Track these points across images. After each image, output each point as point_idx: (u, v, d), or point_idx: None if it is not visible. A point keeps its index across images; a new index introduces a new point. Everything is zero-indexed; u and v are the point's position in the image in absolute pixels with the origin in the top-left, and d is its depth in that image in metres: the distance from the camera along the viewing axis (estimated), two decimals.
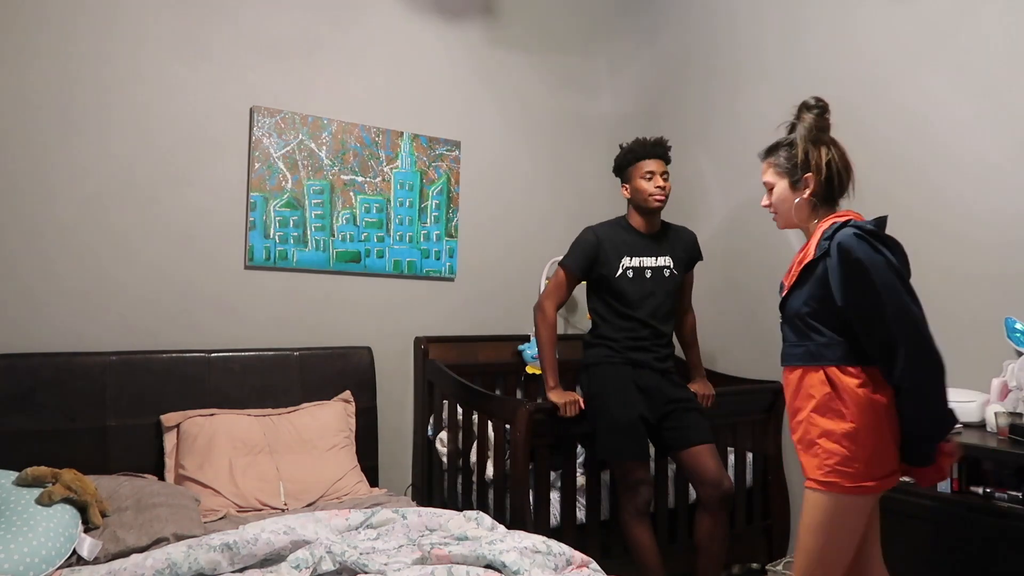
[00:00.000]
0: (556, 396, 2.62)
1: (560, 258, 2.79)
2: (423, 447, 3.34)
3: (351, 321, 3.27)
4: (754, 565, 3.12)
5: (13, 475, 2.10)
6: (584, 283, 2.78)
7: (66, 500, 2.05)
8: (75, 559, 1.94)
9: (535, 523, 2.53)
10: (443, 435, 3.15)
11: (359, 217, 3.29)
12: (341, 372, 3.09)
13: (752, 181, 3.38)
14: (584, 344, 2.79)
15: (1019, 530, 2.02)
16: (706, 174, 3.61)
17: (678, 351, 2.87)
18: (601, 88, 4.09)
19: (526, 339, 3.56)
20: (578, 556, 1.98)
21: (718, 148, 3.55)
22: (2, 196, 2.60)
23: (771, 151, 2.01)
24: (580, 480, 2.78)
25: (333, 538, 2.01)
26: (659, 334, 2.67)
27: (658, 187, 2.63)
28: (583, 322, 3.68)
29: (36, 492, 2.04)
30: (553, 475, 2.79)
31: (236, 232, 3.02)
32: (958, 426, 2.34)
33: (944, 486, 2.21)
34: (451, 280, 3.55)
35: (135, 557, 1.84)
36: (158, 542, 2.02)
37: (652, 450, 2.67)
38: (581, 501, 2.78)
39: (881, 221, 1.85)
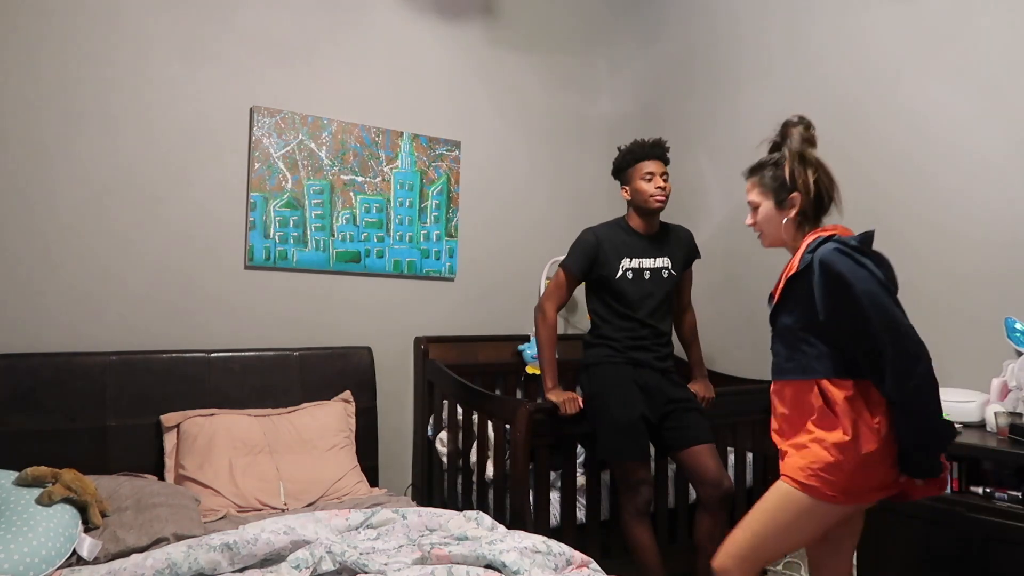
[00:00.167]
0: (555, 396, 2.62)
1: (560, 258, 2.79)
2: (423, 447, 3.34)
3: (351, 321, 3.27)
4: None
5: (13, 475, 2.10)
6: (584, 283, 2.78)
7: (66, 500, 2.05)
8: (75, 559, 1.94)
9: (535, 523, 2.53)
10: (443, 435, 3.15)
11: (359, 217, 3.29)
12: (341, 372, 3.09)
13: None
14: (584, 344, 2.79)
15: (1019, 530, 2.02)
16: (706, 174, 3.61)
17: (678, 351, 2.87)
18: (601, 88, 4.09)
19: (526, 339, 3.56)
20: (578, 556, 1.98)
21: (718, 148, 3.55)
22: (3, 196, 2.60)
23: (756, 170, 2.00)
24: (580, 480, 2.78)
25: (333, 538, 2.01)
26: (659, 333, 2.67)
27: (658, 188, 2.63)
28: (583, 322, 3.68)
29: (36, 492, 2.04)
30: (553, 475, 2.79)
31: (236, 232, 3.02)
32: (957, 426, 2.35)
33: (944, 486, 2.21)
34: (451, 280, 3.55)
35: (135, 557, 1.84)
36: (158, 542, 2.02)
37: (652, 450, 2.67)
38: (581, 501, 2.78)
39: (867, 236, 1.84)
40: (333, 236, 3.22)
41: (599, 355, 2.67)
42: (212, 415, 2.71)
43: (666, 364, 2.69)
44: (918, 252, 2.73)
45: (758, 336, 3.32)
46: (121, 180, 2.80)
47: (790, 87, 3.21)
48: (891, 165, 2.82)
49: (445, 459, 3.13)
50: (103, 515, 2.14)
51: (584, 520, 2.74)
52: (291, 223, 3.12)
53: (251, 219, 3.03)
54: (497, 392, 3.49)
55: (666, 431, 2.62)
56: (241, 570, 1.88)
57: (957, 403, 2.43)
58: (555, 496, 2.74)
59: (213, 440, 2.63)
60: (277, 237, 3.09)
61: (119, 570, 1.79)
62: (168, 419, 2.68)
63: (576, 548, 2.05)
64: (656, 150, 2.68)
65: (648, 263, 2.68)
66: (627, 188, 2.70)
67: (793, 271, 1.84)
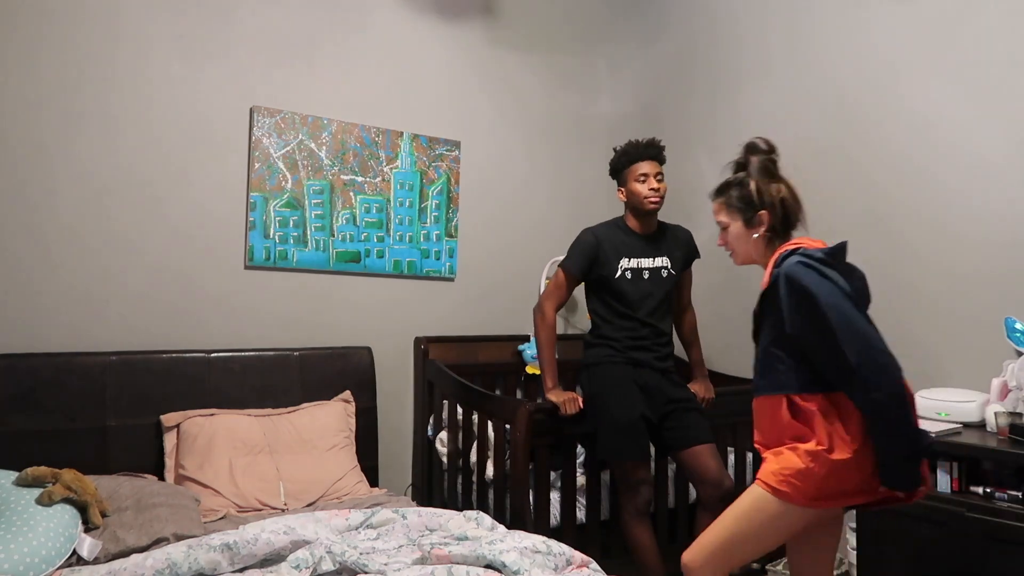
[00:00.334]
0: (555, 395, 2.62)
1: (560, 258, 2.79)
2: (423, 447, 3.34)
3: (351, 321, 3.27)
4: (754, 565, 3.11)
5: (13, 475, 2.10)
6: (584, 283, 2.78)
7: (66, 500, 2.05)
8: (75, 559, 1.94)
9: (535, 523, 2.53)
10: (443, 435, 3.15)
11: (359, 217, 3.29)
12: (341, 372, 3.09)
13: None
14: (585, 344, 2.79)
15: (1019, 530, 2.02)
16: (706, 174, 3.61)
17: (679, 351, 2.87)
18: (601, 88, 4.09)
19: (526, 339, 3.56)
20: (578, 556, 1.98)
21: (718, 148, 3.55)
22: (3, 196, 2.60)
23: (722, 191, 2.03)
24: (580, 480, 2.78)
25: (333, 538, 2.01)
26: (659, 333, 2.68)
27: (652, 189, 2.64)
28: (583, 322, 3.68)
29: (36, 492, 2.04)
30: (553, 475, 2.79)
31: (236, 232, 3.02)
32: (957, 426, 2.35)
33: (944, 486, 2.22)
34: (451, 280, 3.55)
35: (135, 557, 1.84)
36: (158, 542, 2.02)
37: (652, 450, 2.67)
38: (581, 501, 2.78)
39: (836, 249, 1.85)
40: (333, 236, 3.22)
41: (599, 355, 2.67)
42: (212, 415, 2.71)
43: (666, 364, 2.69)
44: (918, 252, 2.73)
45: None
46: (121, 180, 2.80)
47: (790, 87, 3.21)
48: (891, 165, 2.82)
49: (445, 459, 3.13)
50: (103, 515, 2.14)
51: (584, 520, 2.74)
52: (291, 223, 3.12)
53: (251, 219, 3.03)
54: (497, 392, 3.49)
55: (666, 431, 2.62)
56: (241, 570, 1.88)
57: (957, 403, 2.43)
58: (555, 496, 2.74)
59: (213, 440, 2.63)
60: (277, 237, 3.09)
61: (119, 570, 1.79)
62: (168, 419, 2.68)
63: (576, 548, 2.05)
64: (650, 151, 2.68)
65: (647, 263, 2.68)
66: (623, 189, 2.71)
67: (764, 287, 1.87)
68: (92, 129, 2.74)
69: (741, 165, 2.00)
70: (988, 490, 2.13)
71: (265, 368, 2.94)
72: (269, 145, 3.06)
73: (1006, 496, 2.09)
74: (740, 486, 3.01)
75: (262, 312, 3.07)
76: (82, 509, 2.08)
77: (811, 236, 2.00)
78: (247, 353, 2.93)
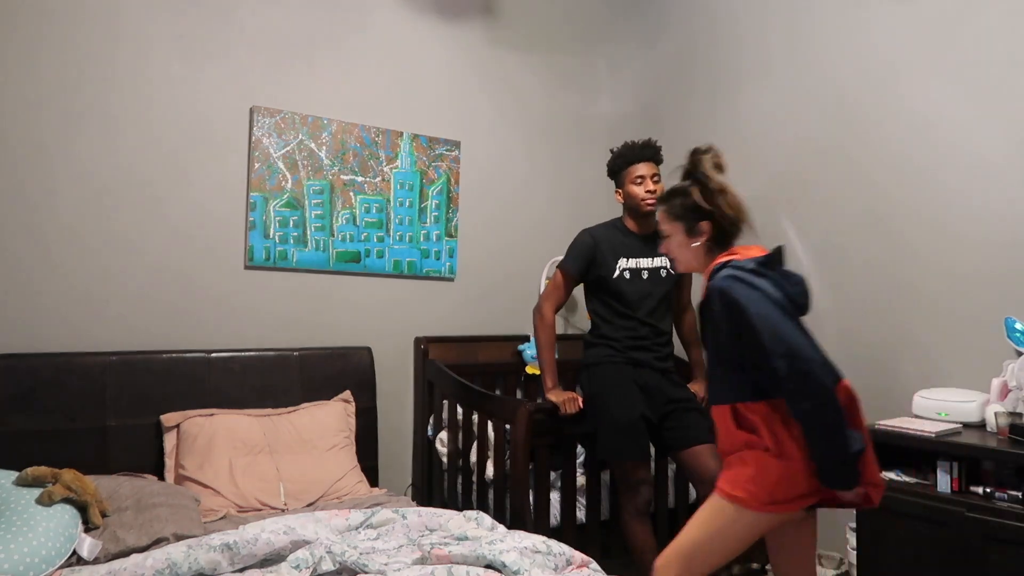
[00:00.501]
0: (555, 395, 2.63)
1: (560, 258, 2.79)
2: (423, 447, 3.34)
3: (351, 321, 3.27)
4: (754, 565, 3.11)
5: (13, 475, 2.10)
6: (584, 284, 2.79)
7: (66, 500, 2.05)
8: (75, 559, 1.94)
9: (535, 523, 2.53)
10: (443, 435, 3.15)
11: (359, 217, 3.29)
12: (341, 372, 3.09)
13: (752, 180, 3.39)
14: (585, 344, 2.79)
15: (1019, 530, 2.02)
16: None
17: (679, 350, 2.87)
18: (601, 88, 4.09)
19: (526, 339, 3.56)
20: (578, 556, 1.98)
21: (718, 146, 3.55)
22: (4, 195, 2.60)
23: (665, 199, 2.04)
24: (580, 480, 2.78)
25: (333, 538, 2.01)
26: (659, 332, 2.68)
27: (648, 191, 2.64)
28: (583, 322, 3.68)
29: (36, 492, 2.04)
30: (553, 475, 2.79)
31: (236, 232, 3.02)
32: (957, 426, 2.35)
33: (944, 486, 2.22)
34: (451, 280, 3.55)
35: (135, 557, 1.85)
36: (158, 542, 2.02)
37: (652, 450, 2.67)
38: (581, 501, 2.78)
39: (768, 257, 1.87)
40: (333, 236, 3.22)
41: (599, 355, 2.67)
42: (212, 415, 2.71)
43: (666, 364, 2.69)
44: (918, 252, 2.73)
45: None
46: (121, 180, 2.80)
47: (790, 87, 3.21)
48: (891, 165, 2.82)
49: (445, 459, 3.13)
50: (103, 515, 2.14)
51: (584, 520, 2.74)
52: (291, 223, 3.12)
53: (251, 219, 3.03)
54: (497, 392, 3.49)
55: (666, 431, 2.62)
56: (241, 570, 1.88)
57: (957, 403, 2.43)
58: (555, 496, 2.74)
59: (213, 440, 2.63)
60: (277, 237, 3.09)
61: (119, 570, 1.79)
62: (168, 419, 2.68)
63: (576, 548, 2.06)
64: (646, 152, 2.68)
65: (645, 263, 2.68)
66: (620, 191, 2.72)
67: (702, 299, 1.90)
68: (92, 129, 2.74)
69: (688, 172, 2.01)
70: (988, 490, 2.13)
71: (265, 368, 2.94)
72: (269, 145, 3.06)
73: (1006, 496, 2.09)
74: None
75: (262, 312, 3.07)
76: (82, 509, 2.08)
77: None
78: (247, 353, 2.93)
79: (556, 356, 2.77)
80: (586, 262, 2.69)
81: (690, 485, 2.74)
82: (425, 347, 3.35)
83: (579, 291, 2.94)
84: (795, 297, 1.82)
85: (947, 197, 2.65)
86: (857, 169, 2.94)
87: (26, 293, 2.64)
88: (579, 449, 2.84)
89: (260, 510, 2.54)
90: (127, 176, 2.81)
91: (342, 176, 3.24)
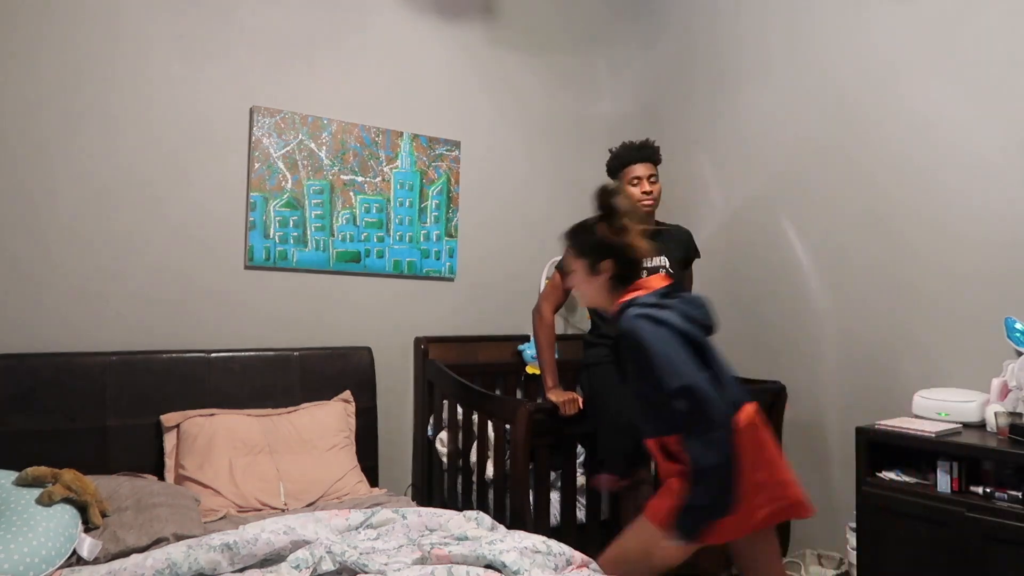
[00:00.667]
0: (555, 395, 2.63)
1: (560, 258, 2.80)
2: (423, 447, 3.34)
3: (351, 321, 3.27)
4: None
5: (13, 475, 2.10)
6: None
7: (66, 500, 2.05)
8: (75, 559, 1.94)
9: (535, 523, 2.53)
10: (443, 435, 3.15)
11: (359, 217, 3.29)
12: (341, 372, 3.09)
13: (752, 180, 3.40)
14: (585, 344, 2.79)
15: (1019, 530, 2.02)
16: (706, 174, 3.62)
17: None
18: (601, 88, 4.09)
19: (526, 339, 3.56)
20: (578, 556, 1.98)
21: (718, 148, 3.56)
22: (4, 195, 2.60)
23: (570, 235, 2.08)
24: (580, 480, 2.78)
25: (333, 538, 2.01)
26: None
27: (644, 192, 2.65)
28: (583, 322, 3.68)
29: (36, 492, 2.03)
30: (553, 475, 2.79)
31: (236, 232, 3.02)
32: (957, 426, 2.35)
33: (944, 486, 2.22)
34: (451, 280, 3.55)
35: (135, 557, 1.84)
36: (158, 542, 2.02)
37: None
38: (581, 501, 2.77)
39: (673, 285, 1.96)
40: (333, 236, 3.22)
41: (599, 355, 2.67)
42: (212, 415, 2.71)
43: None
44: (918, 252, 2.74)
45: (758, 335, 3.33)
46: (121, 180, 2.80)
47: (790, 87, 3.21)
48: (891, 165, 2.82)
49: (445, 459, 3.13)
50: (103, 515, 2.14)
51: (584, 520, 2.74)
52: (291, 223, 3.12)
53: (251, 219, 3.03)
54: (497, 392, 3.49)
55: None
56: (241, 570, 1.88)
57: (957, 403, 2.43)
58: (555, 496, 2.74)
59: (213, 440, 2.63)
60: (277, 237, 3.09)
61: (119, 570, 1.78)
62: (168, 419, 2.68)
63: (576, 548, 2.05)
64: (642, 153, 2.69)
65: (645, 263, 2.68)
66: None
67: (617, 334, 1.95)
68: (92, 129, 2.74)
69: (603, 210, 2.04)
70: (988, 490, 2.13)
71: (265, 368, 2.94)
72: (269, 145, 3.06)
73: (1006, 496, 2.09)
74: None
75: (262, 312, 3.07)
76: (82, 509, 2.08)
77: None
78: (247, 353, 2.93)
79: (556, 356, 2.77)
80: None
81: None
82: (425, 347, 3.35)
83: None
84: (701, 319, 1.91)
85: (947, 197, 2.65)
86: (857, 169, 2.94)
87: (26, 293, 2.64)
88: (579, 449, 2.83)
89: (260, 510, 2.54)
90: (127, 176, 2.81)
91: (342, 176, 3.24)
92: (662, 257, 2.71)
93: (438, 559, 1.93)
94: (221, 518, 2.43)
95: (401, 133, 3.40)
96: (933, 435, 2.25)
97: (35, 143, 2.65)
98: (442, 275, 3.52)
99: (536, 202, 3.82)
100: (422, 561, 1.95)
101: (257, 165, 3.03)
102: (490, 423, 2.77)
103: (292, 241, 3.12)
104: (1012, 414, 2.26)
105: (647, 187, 2.65)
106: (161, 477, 2.61)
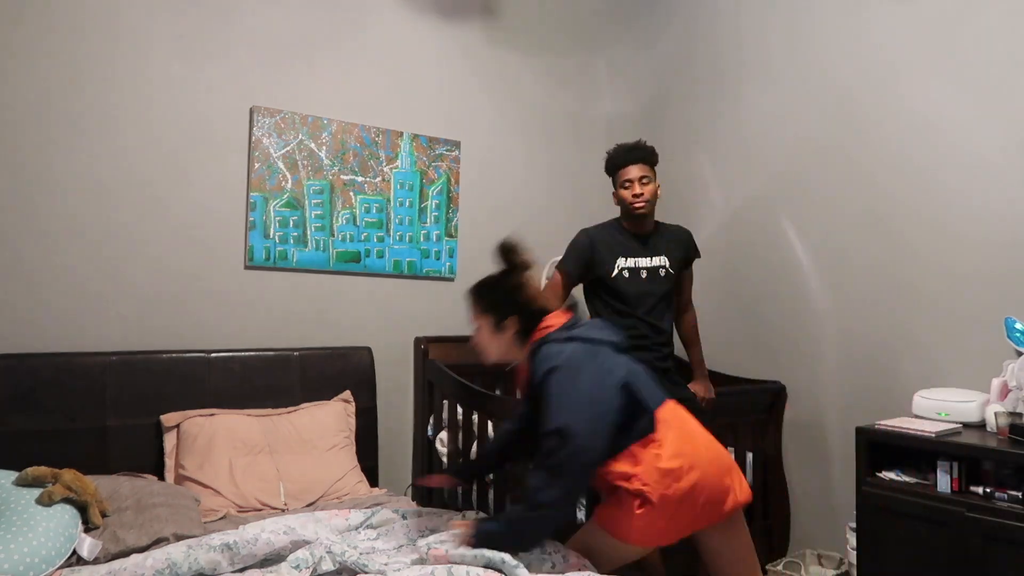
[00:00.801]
0: None
1: (560, 258, 2.80)
2: (423, 447, 3.34)
3: (351, 321, 3.27)
4: None
5: (13, 475, 2.10)
6: (583, 284, 2.79)
7: (66, 500, 2.05)
8: (75, 559, 1.94)
9: None
10: (443, 435, 3.15)
11: (359, 217, 3.29)
12: (341, 372, 3.09)
13: (752, 180, 3.40)
14: None
15: (1019, 530, 2.02)
16: (706, 174, 3.61)
17: (679, 350, 2.87)
18: (601, 88, 4.09)
19: None
20: (574, 555, 1.98)
21: (718, 148, 3.55)
22: (5, 195, 2.61)
23: (475, 295, 2.13)
24: None
25: (333, 538, 2.01)
26: (659, 331, 2.68)
27: (635, 195, 2.65)
28: None
29: (36, 492, 2.03)
30: None
31: (236, 232, 3.02)
32: (957, 426, 2.35)
33: (944, 486, 2.22)
34: (451, 280, 3.55)
35: (135, 557, 1.84)
36: (158, 542, 2.02)
37: None
38: (581, 501, 2.77)
39: (576, 316, 2.03)
40: (333, 236, 3.22)
41: None
42: (212, 415, 2.71)
43: (666, 364, 2.69)
44: (918, 252, 2.73)
45: (758, 335, 3.33)
46: (121, 180, 2.80)
47: (790, 87, 3.21)
48: (891, 165, 2.82)
49: (445, 459, 3.12)
50: (103, 515, 2.14)
51: (583, 520, 2.73)
52: (291, 223, 3.12)
53: (251, 219, 3.03)
54: (497, 392, 3.49)
55: None
56: (241, 570, 1.88)
57: (957, 403, 2.43)
58: None
59: (213, 440, 2.63)
60: (277, 237, 3.09)
61: (119, 570, 1.79)
62: (168, 419, 2.68)
63: None
64: (633, 155, 2.69)
65: (644, 262, 2.69)
66: (615, 193, 2.73)
67: (526, 376, 2.01)
68: (93, 129, 2.75)
69: (508, 267, 2.08)
70: (988, 490, 2.13)
71: (265, 368, 2.94)
72: (269, 145, 3.06)
73: (1006, 496, 2.09)
74: None
75: (262, 312, 3.07)
76: (82, 509, 2.08)
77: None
78: (247, 353, 2.93)
79: None
80: (584, 263, 2.69)
81: None
82: (425, 347, 3.35)
83: (578, 291, 2.94)
84: (609, 339, 1.99)
85: (947, 197, 2.65)
86: (857, 169, 2.94)
87: (27, 293, 2.64)
88: None
89: (260, 510, 2.54)
90: (127, 176, 2.81)
91: (342, 176, 3.24)
92: (662, 257, 2.72)
93: (436, 559, 1.93)
94: (221, 518, 2.43)
95: (401, 133, 3.40)
96: (933, 435, 2.25)
97: (36, 143, 2.65)
98: (442, 275, 3.52)
99: (536, 202, 3.82)
100: (421, 561, 1.95)
101: (257, 165, 3.03)
102: (490, 423, 2.76)
103: (292, 241, 3.12)
104: (1012, 414, 2.26)
105: (637, 189, 2.65)
106: (161, 477, 2.62)
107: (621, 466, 1.89)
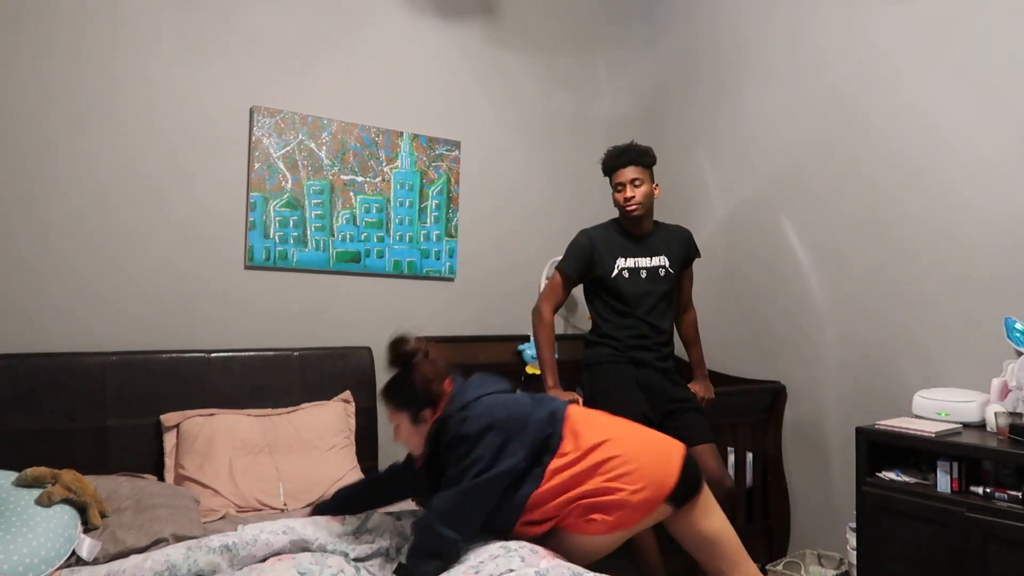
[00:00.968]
0: (555, 395, 2.62)
1: (561, 258, 2.80)
2: None
3: (351, 321, 3.27)
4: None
5: (13, 475, 2.10)
6: (584, 284, 2.79)
7: (66, 501, 2.04)
8: (74, 560, 1.94)
9: None
10: None
11: (359, 217, 3.28)
12: (341, 372, 3.09)
13: (752, 180, 3.40)
14: (585, 343, 2.79)
15: (1019, 530, 2.02)
16: (706, 173, 3.61)
17: (679, 350, 2.87)
18: (601, 88, 4.09)
19: (526, 339, 3.56)
20: (542, 550, 1.95)
21: (718, 148, 3.55)
22: (6, 195, 2.61)
23: (389, 398, 2.13)
24: None
25: (333, 540, 2.01)
26: (659, 331, 2.68)
27: (626, 198, 2.65)
28: (583, 322, 3.68)
29: (36, 493, 2.03)
30: None
31: (236, 232, 3.02)
32: (957, 426, 2.35)
33: (944, 486, 2.22)
34: (451, 280, 3.55)
35: (134, 558, 1.84)
36: (157, 543, 2.02)
37: None
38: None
39: (464, 387, 2.08)
40: (333, 236, 3.22)
41: (600, 355, 2.67)
42: (212, 415, 2.71)
43: (667, 364, 2.69)
44: (918, 252, 2.73)
45: (758, 335, 3.33)
46: (122, 180, 2.80)
47: (791, 87, 3.20)
48: (891, 165, 2.82)
49: None
50: (102, 516, 2.14)
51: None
52: (291, 223, 3.12)
53: (251, 219, 3.03)
54: None
55: (667, 430, 2.61)
56: (241, 570, 1.88)
57: (957, 403, 2.43)
58: None
59: (213, 440, 2.63)
60: (277, 237, 3.09)
61: (118, 571, 1.79)
62: (168, 419, 2.68)
63: None
64: (624, 158, 2.69)
65: (644, 262, 2.69)
66: (613, 195, 2.74)
67: (424, 455, 2.06)
68: (94, 129, 2.75)
69: (401, 365, 2.12)
70: (988, 490, 2.13)
71: (265, 368, 2.94)
72: (269, 145, 3.06)
73: (1006, 496, 2.09)
74: (740, 486, 3.02)
75: (262, 312, 3.07)
76: (81, 510, 2.08)
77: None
78: (247, 353, 2.93)
79: (556, 356, 2.76)
80: (583, 263, 2.69)
81: None
82: (425, 347, 3.34)
83: (579, 291, 2.94)
84: (497, 388, 2.07)
85: (947, 197, 2.65)
86: (857, 169, 2.94)
87: (27, 293, 2.63)
88: None
89: (260, 510, 2.54)
90: (128, 176, 2.81)
91: (342, 176, 3.24)
92: (662, 256, 2.71)
93: None
94: (221, 518, 2.43)
95: (401, 133, 3.40)
96: (933, 435, 2.25)
97: (37, 143, 2.65)
98: (442, 275, 3.52)
99: (536, 202, 3.82)
100: None
101: (257, 165, 3.03)
102: None
103: (292, 241, 3.12)
104: (1012, 414, 2.26)
105: (629, 192, 2.65)
106: (161, 477, 2.61)
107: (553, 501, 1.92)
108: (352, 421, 3.00)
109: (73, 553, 1.94)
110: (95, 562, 1.94)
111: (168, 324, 2.87)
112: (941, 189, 2.67)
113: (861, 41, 2.93)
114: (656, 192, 2.73)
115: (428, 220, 3.47)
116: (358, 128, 3.28)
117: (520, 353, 3.57)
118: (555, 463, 1.94)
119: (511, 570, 1.73)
